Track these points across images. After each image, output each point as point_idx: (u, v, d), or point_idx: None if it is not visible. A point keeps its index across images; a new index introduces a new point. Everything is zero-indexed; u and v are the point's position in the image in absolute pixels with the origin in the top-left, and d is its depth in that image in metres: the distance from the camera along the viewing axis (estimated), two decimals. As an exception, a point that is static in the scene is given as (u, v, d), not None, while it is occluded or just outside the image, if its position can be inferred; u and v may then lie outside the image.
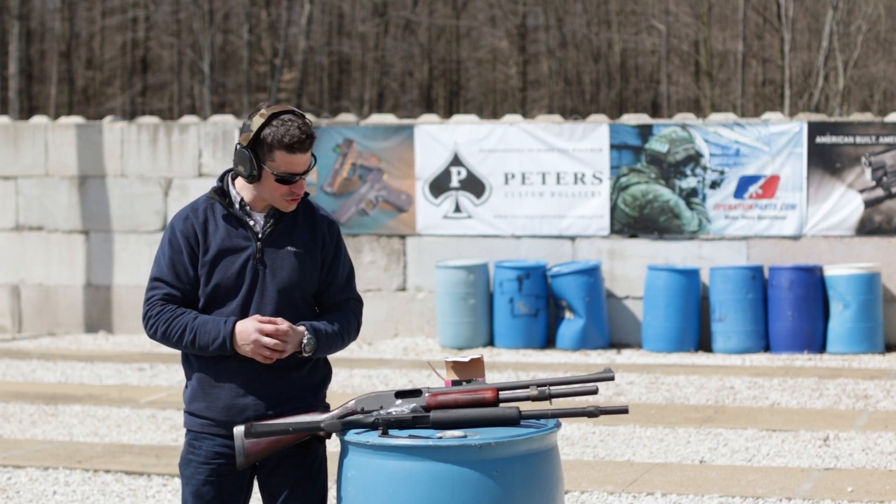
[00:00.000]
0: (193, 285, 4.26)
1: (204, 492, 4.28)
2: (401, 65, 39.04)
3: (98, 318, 15.52)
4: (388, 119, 15.03)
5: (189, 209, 4.31)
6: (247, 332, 4.15)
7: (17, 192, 15.74)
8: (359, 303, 4.41)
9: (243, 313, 4.22)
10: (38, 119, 16.06)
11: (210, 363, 4.26)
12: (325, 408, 4.34)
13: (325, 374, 4.39)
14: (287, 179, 4.19)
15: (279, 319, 4.17)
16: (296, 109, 4.23)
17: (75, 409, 10.57)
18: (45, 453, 8.78)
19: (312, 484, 4.29)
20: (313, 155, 4.26)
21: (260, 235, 4.26)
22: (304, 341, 4.19)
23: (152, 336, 4.28)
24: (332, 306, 4.34)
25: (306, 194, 4.35)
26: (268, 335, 4.14)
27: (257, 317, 4.17)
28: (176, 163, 15.29)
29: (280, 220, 4.28)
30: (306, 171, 4.22)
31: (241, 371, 4.23)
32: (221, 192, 4.30)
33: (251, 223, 4.26)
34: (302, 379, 4.29)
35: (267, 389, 4.24)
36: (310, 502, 4.28)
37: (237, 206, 4.28)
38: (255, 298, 4.23)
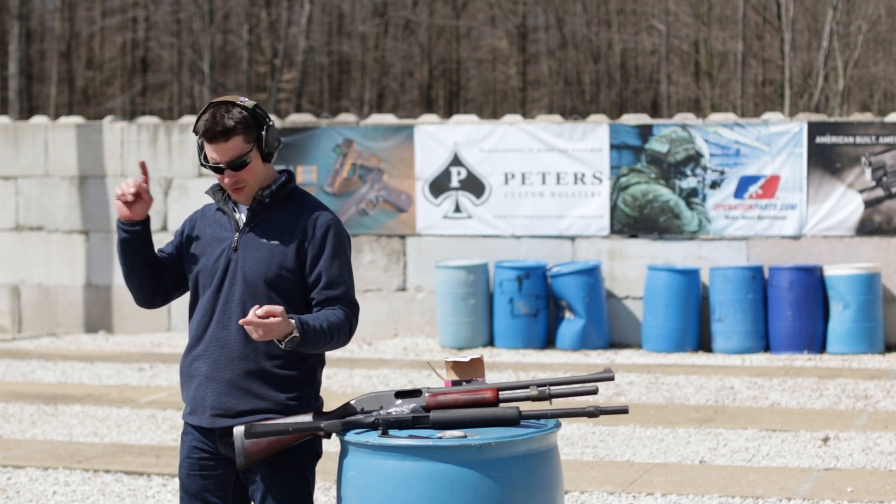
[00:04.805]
0: (169, 258, 4.42)
1: (188, 484, 4.35)
2: (401, 65, 39.03)
3: (98, 318, 15.52)
4: (388, 119, 15.02)
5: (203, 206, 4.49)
6: None
7: (17, 192, 15.74)
8: (353, 305, 4.29)
9: (215, 299, 4.28)
10: (38, 119, 16.06)
11: (186, 352, 4.35)
12: (312, 408, 4.30)
13: (295, 370, 4.26)
14: (216, 169, 4.26)
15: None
16: (231, 99, 4.25)
17: (75, 409, 10.57)
18: (45, 453, 8.78)
19: (293, 484, 4.24)
20: (262, 146, 4.25)
21: (240, 226, 4.31)
22: (293, 333, 4.06)
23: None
24: (322, 304, 4.26)
25: (301, 190, 4.37)
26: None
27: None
28: (176, 163, 15.28)
29: (261, 212, 4.31)
30: (235, 163, 4.22)
31: (204, 360, 4.27)
32: (221, 189, 4.39)
33: (237, 216, 4.33)
34: (261, 369, 4.23)
35: (224, 378, 4.24)
36: (291, 502, 4.24)
37: (229, 201, 4.37)
38: (225, 285, 4.28)
